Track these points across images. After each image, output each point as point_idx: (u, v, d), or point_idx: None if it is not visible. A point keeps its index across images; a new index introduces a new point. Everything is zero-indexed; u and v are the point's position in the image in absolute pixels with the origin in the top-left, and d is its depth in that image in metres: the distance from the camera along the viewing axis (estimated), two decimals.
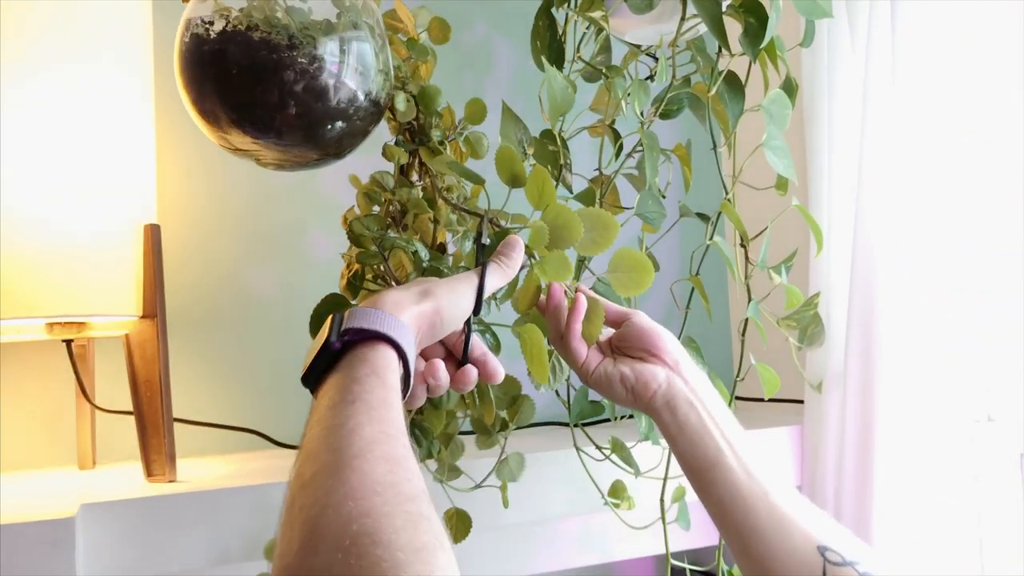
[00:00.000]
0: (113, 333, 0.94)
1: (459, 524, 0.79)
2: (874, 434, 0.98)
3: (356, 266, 0.73)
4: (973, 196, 0.99)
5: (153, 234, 0.91)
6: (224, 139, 0.68)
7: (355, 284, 0.73)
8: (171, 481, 0.89)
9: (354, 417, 0.46)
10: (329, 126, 0.67)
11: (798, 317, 0.91)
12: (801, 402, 1.13)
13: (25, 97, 0.84)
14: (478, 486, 0.81)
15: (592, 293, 0.69)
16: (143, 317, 0.90)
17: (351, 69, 0.68)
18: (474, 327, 0.63)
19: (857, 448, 1.00)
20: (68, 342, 0.96)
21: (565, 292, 0.67)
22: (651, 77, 0.87)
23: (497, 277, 0.63)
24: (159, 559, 0.80)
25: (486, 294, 0.61)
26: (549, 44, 0.86)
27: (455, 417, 0.76)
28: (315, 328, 0.71)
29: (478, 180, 0.72)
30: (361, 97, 0.69)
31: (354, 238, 0.74)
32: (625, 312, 0.69)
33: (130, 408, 0.91)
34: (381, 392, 0.49)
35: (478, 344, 0.64)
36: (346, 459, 0.42)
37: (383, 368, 0.51)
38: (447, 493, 0.80)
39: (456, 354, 0.64)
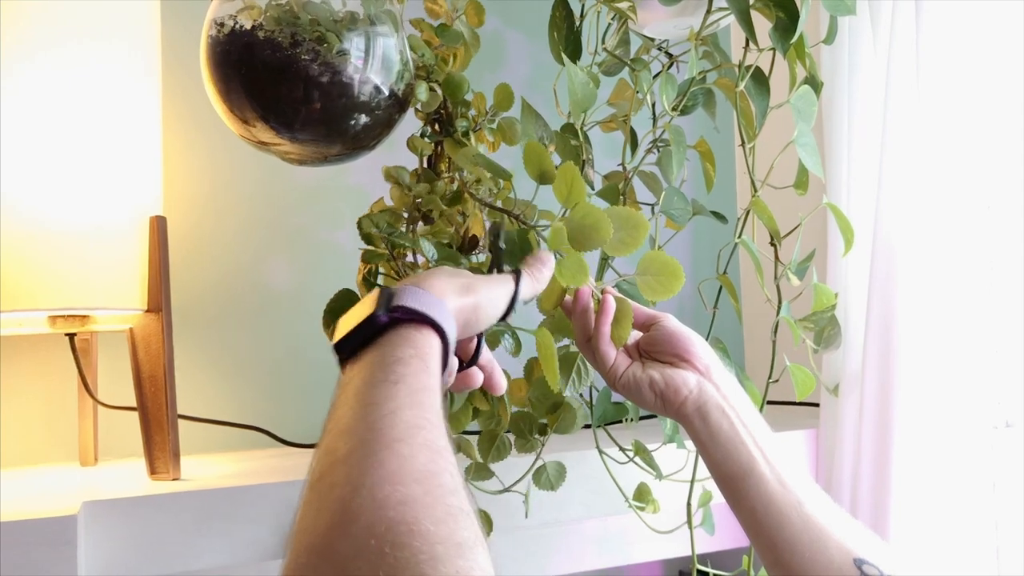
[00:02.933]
0: (117, 327, 0.92)
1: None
2: (891, 438, 0.97)
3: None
4: (997, 198, 0.97)
5: (159, 226, 0.89)
6: (249, 133, 0.68)
7: (371, 281, 0.71)
8: (175, 479, 0.87)
9: (396, 398, 0.43)
10: (352, 120, 0.68)
11: (815, 319, 0.89)
12: (817, 405, 1.12)
13: (27, 84, 0.81)
14: (507, 489, 0.79)
15: (619, 295, 0.67)
16: (148, 311, 0.88)
17: (375, 63, 0.68)
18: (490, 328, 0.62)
19: (874, 453, 0.99)
20: (71, 336, 0.94)
21: (592, 293, 0.65)
22: (659, 74, 0.85)
23: (527, 289, 0.61)
24: (162, 559, 0.78)
25: (517, 303, 0.60)
26: (566, 36, 0.85)
27: (503, 416, 0.73)
28: (328, 322, 0.70)
29: (505, 175, 0.70)
30: (384, 90, 0.69)
31: (364, 236, 0.72)
32: (654, 315, 0.68)
33: (133, 404, 0.89)
34: (424, 377, 0.46)
35: (486, 351, 0.63)
36: (386, 441, 0.40)
37: (427, 354, 0.48)
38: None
39: (461, 355, 0.61)
